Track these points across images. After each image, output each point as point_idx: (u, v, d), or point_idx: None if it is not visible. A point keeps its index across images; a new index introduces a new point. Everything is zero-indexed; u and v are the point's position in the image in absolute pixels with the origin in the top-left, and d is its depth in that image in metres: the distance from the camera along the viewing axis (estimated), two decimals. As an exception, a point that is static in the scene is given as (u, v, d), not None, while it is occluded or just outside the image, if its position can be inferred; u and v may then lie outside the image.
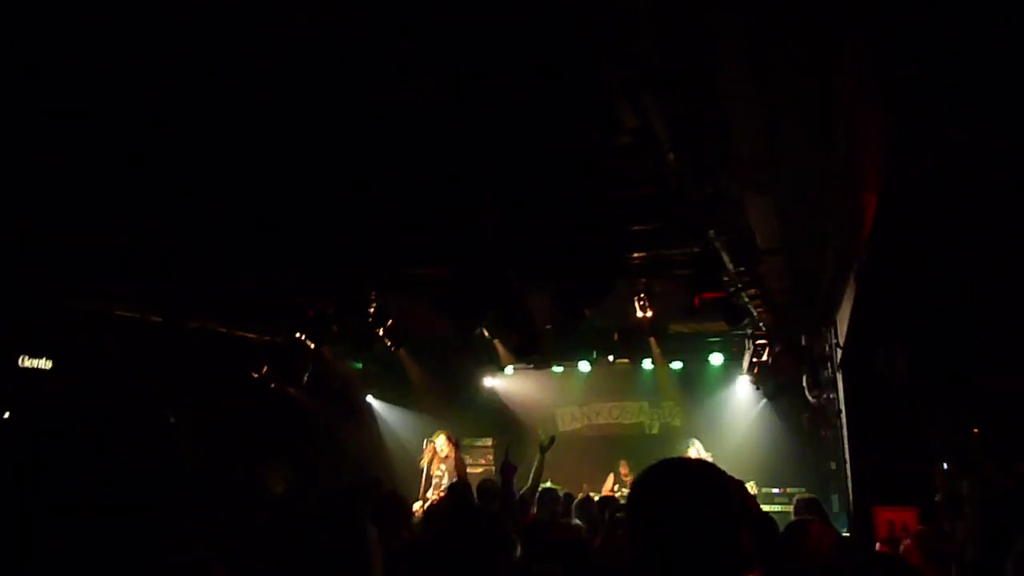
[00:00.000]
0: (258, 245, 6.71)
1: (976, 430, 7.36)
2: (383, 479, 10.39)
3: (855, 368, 7.64)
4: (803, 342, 9.72)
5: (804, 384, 9.71)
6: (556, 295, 6.90)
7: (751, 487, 9.46)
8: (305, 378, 9.48)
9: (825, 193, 5.34)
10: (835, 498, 9.43)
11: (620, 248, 6.67)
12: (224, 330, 9.55)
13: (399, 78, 3.77)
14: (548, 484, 10.80)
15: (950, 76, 3.35)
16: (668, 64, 3.27)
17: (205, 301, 8.72)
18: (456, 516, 2.97)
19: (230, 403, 10.00)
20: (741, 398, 12.28)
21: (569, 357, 12.22)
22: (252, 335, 9.96)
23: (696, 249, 6.20)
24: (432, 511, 7.44)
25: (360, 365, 12.50)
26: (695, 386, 12.51)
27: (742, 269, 6.64)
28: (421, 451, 10.84)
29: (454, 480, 8.57)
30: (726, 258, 6.30)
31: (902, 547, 4.77)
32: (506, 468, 5.30)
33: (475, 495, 7.03)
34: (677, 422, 12.93)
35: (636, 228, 6.24)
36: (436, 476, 9.06)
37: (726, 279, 6.81)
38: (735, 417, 12.27)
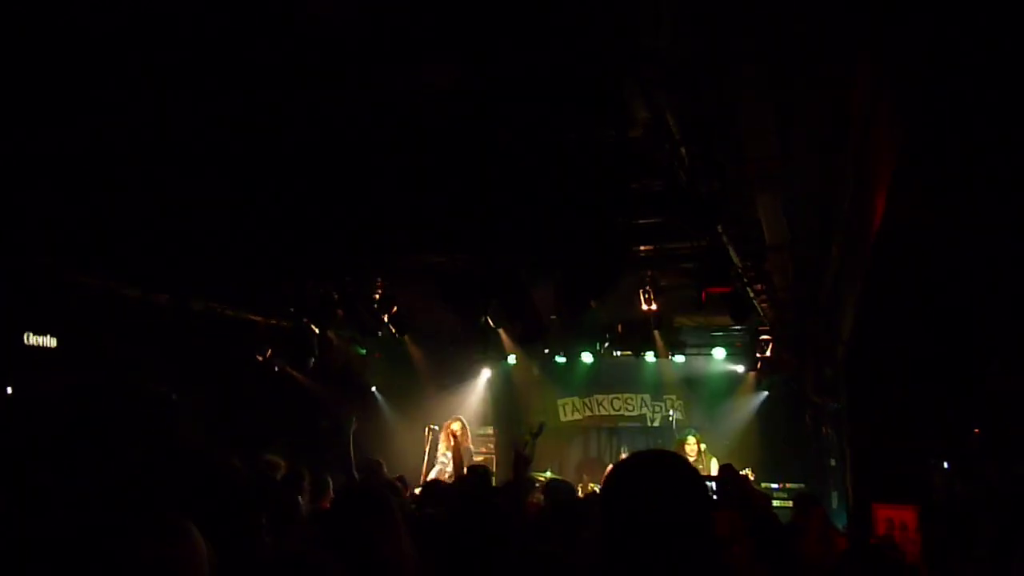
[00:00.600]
0: (266, 229, 6.74)
1: (977, 430, 7.38)
2: (384, 463, 10.47)
3: (858, 366, 7.66)
4: (806, 339, 9.73)
5: (806, 381, 9.74)
6: (562, 286, 6.92)
7: (747, 473, 9.50)
8: (311, 362, 9.52)
9: (833, 192, 5.36)
10: (835, 495, 9.47)
11: (627, 241, 6.68)
12: (230, 312, 9.58)
13: (413, 69, 3.78)
14: (548, 474, 10.89)
15: (960, 77, 3.35)
16: (684, 62, 3.28)
17: (211, 282, 8.76)
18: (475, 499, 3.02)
19: (234, 385, 10.06)
20: (744, 393, 12.30)
21: (572, 348, 12.24)
22: (258, 318, 9.99)
23: (703, 243, 6.21)
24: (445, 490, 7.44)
25: (364, 351, 12.54)
26: (697, 380, 12.53)
27: (748, 264, 6.66)
28: (423, 436, 10.90)
29: (459, 467, 8.62)
30: (733, 253, 6.31)
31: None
32: (521, 460, 5.31)
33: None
34: (679, 415, 12.96)
35: (644, 221, 6.25)
36: (442, 463, 9.10)
37: (732, 274, 6.82)
38: (737, 412, 12.29)
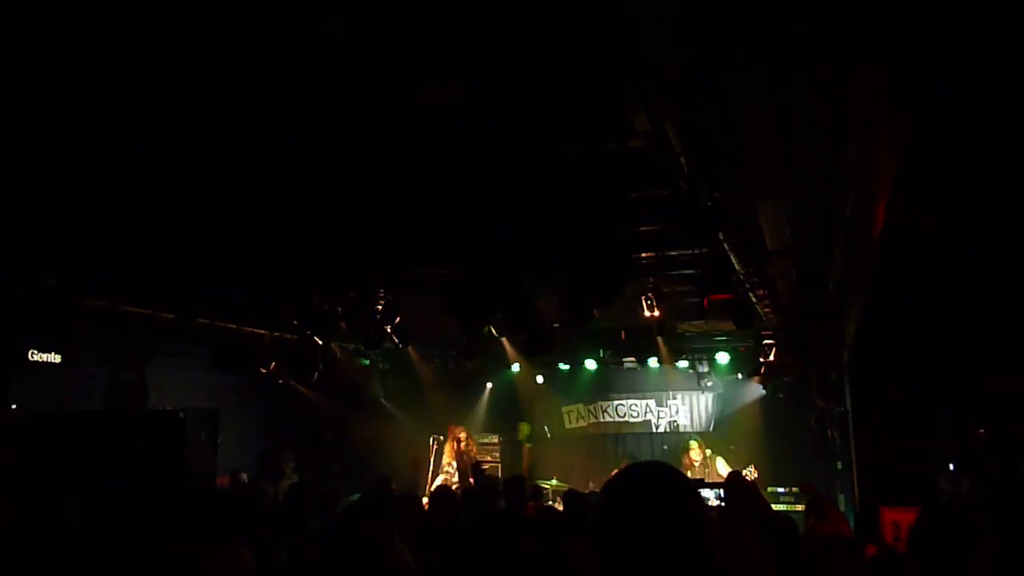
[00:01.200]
0: (268, 243, 6.76)
1: (982, 431, 7.39)
2: (390, 475, 10.48)
3: (862, 369, 7.67)
4: (810, 343, 9.74)
5: (811, 385, 9.74)
6: (565, 295, 6.93)
7: (750, 471, 9.50)
8: (315, 376, 9.54)
9: (835, 196, 5.37)
10: (841, 498, 9.47)
11: (630, 248, 6.69)
12: (233, 326, 9.60)
13: (414, 80, 3.80)
14: (554, 482, 10.90)
15: (960, 81, 3.37)
16: (683, 73, 3.30)
17: (215, 298, 8.78)
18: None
19: (239, 399, 10.08)
20: (748, 398, 12.30)
21: (576, 355, 12.27)
22: (262, 331, 10.02)
23: (705, 250, 6.22)
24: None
25: (368, 362, 12.57)
26: (701, 385, 12.54)
27: (751, 270, 6.67)
28: (428, 447, 10.91)
29: (466, 476, 8.64)
30: (735, 260, 6.33)
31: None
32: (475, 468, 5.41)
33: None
34: (683, 421, 12.97)
35: (646, 229, 6.27)
36: (447, 472, 9.11)
37: (735, 280, 6.83)
38: (741, 416, 12.30)
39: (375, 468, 11.19)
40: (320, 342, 9.22)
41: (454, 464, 9.08)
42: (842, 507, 9.13)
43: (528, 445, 12.01)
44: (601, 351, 11.92)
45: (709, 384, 12.46)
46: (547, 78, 3.80)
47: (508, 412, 13.31)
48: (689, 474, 9.68)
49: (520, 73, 3.76)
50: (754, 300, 7.71)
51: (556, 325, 8.89)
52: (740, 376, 12.13)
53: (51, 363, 9.12)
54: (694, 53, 3.32)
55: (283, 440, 10.74)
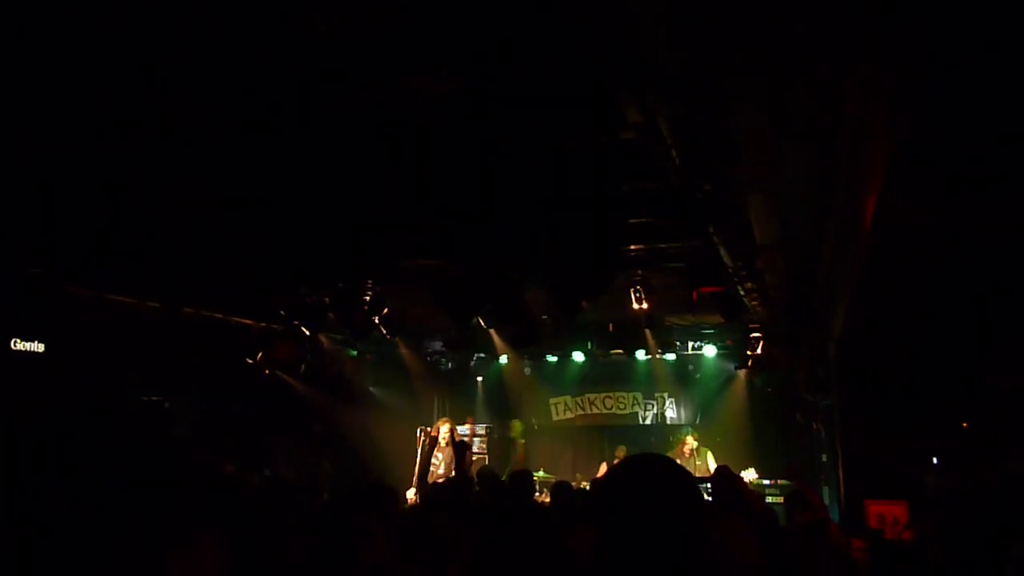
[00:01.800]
0: (257, 234, 6.71)
1: (965, 425, 7.44)
2: (377, 466, 10.47)
3: (849, 363, 7.71)
4: (798, 337, 9.79)
5: (798, 378, 9.79)
6: (554, 288, 6.93)
7: (750, 473, 9.54)
8: (303, 366, 9.50)
9: (825, 192, 5.38)
10: (826, 490, 9.53)
11: (619, 241, 6.69)
12: (220, 316, 9.54)
13: (409, 74, 3.78)
14: (541, 473, 10.91)
15: (951, 79, 3.37)
16: (676, 67, 3.28)
17: (201, 288, 8.72)
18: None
19: (226, 390, 10.02)
20: (735, 390, 12.35)
21: (564, 347, 12.28)
22: (249, 322, 9.96)
23: (695, 243, 6.22)
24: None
25: (355, 353, 12.53)
26: (689, 378, 12.58)
27: (740, 264, 6.68)
28: (415, 438, 10.90)
29: (451, 468, 8.63)
30: (724, 253, 6.33)
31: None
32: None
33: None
34: (670, 413, 13.01)
35: (635, 221, 6.26)
36: (433, 464, 9.10)
37: (724, 273, 6.84)
38: (728, 409, 12.35)
39: (362, 459, 11.18)
40: (308, 333, 9.18)
41: (439, 456, 9.07)
42: (827, 500, 9.20)
43: (521, 441, 12.04)
44: (589, 343, 11.93)
45: (696, 377, 12.50)
46: (540, 73, 3.78)
47: (496, 404, 13.31)
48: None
49: (513, 67, 3.74)
50: (743, 293, 7.73)
51: (544, 317, 8.89)
52: (727, 369, 12.17)
53: (34, 352, 9.04)
54: (688, 48, 3.31)
55: (270, 430, 10.69)
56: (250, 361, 9.78)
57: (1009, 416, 6.67)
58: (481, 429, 12.95)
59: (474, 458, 10.47)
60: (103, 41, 3.56)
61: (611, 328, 11.21)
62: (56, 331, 8.72)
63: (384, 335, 9.23)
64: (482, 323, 9.09)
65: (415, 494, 8.65)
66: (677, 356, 12.12)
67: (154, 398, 9.17)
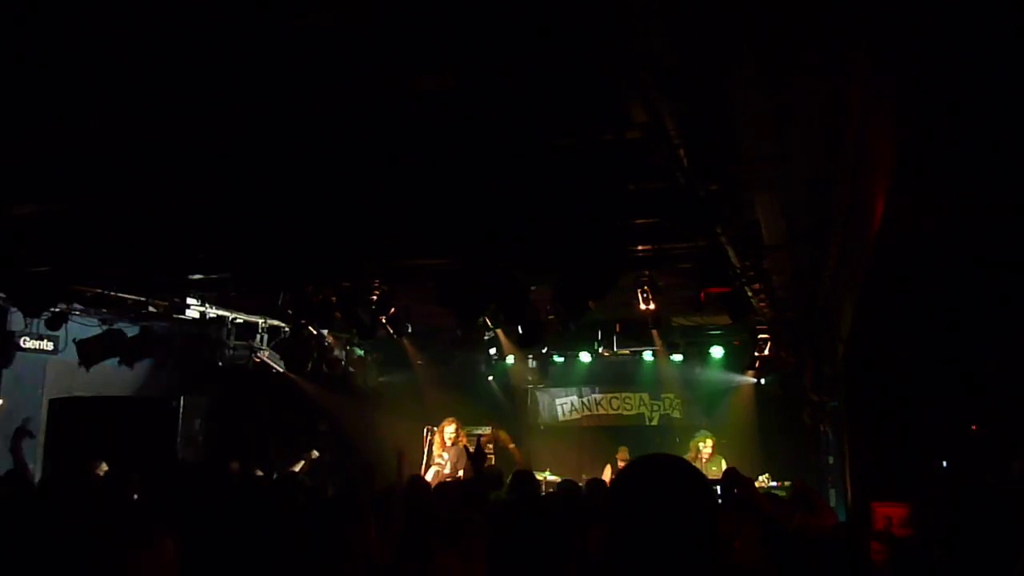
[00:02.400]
0: (264, 232, 6.73)
1: (974, 427, 7.39)
2: (383, 464, 10.47)
3: (856, 365, 7.67)
4: (805, 337, 9.74)
5: (805, 379, 9.75)
6: (560, 287, 6.92)
7: (764, 479, 9.51)
8: (309, 365, 9.52)
9: (832, 192, 5.36)
10: (833, 492, 9.49)
11: (626, 241, 6.68)
12: (227, 314, 9.58)
13: (409, 73, 3.77)
14: (547, 473, 10.90)
15: (958, 77, 3.35)
16: (680, 65, 3.27)
17: (208, 286, 8.75)
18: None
19: (232, 388, 10.06)
20: (742, 391, 12.31)
21: (570, 347, 12.25)
22: (256, 320, 10.00)
23: (702, 244, 6.21)
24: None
25: (362, 352, 12.55)
26: (696, 378, 12.54)
27: (747, 264, 6.65)
28: (421, 437, 10.91)
29: (457, 468, 8.64)
30: (731, 253, 6.31)
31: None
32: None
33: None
34: (677, 414, 12.98)
35: (642, 221, 6.25)
36: (438, 464, 9.11)
37: (731, 274, 6.82)
38: (735, 410, 12.31)
39: (368, 458, 11.19)
40: (314, 331, 9.20)
41: (445, 455, 9.07)
42: (833, 502, 9.16)
43: (511, 446, 12.00)
44: (596, 343, 11.91)
45: (703, 378, 12.47)
46: (544, 69, 3.77)
47: (502, 404, 13.31)
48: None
49: (515, 64, 3.73)
50: (750, 294, 7.70)
51: (551, 317, 8.88)
52: (734, 370, 12.13)
53: (44, 350, 9.10)
54: (692, 45, 3.30)
55: (275, 429, 10.72)
56: (257, 360, 9.81)
57: (1019, 418, 6.62)
58: (486, 430, 12.95)
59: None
60: (103, 40, 3.57)
61: (618, 328, 11.20)
62: (65, 329, 8.78)
63: (390, 334, 9.24)
64: (488, 323, 9.10)
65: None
66: (684, 357, 12.09)
67: (160, 396, 9.22)
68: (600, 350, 12.06)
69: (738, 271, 6.81)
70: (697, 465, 10.03)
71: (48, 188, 5.57)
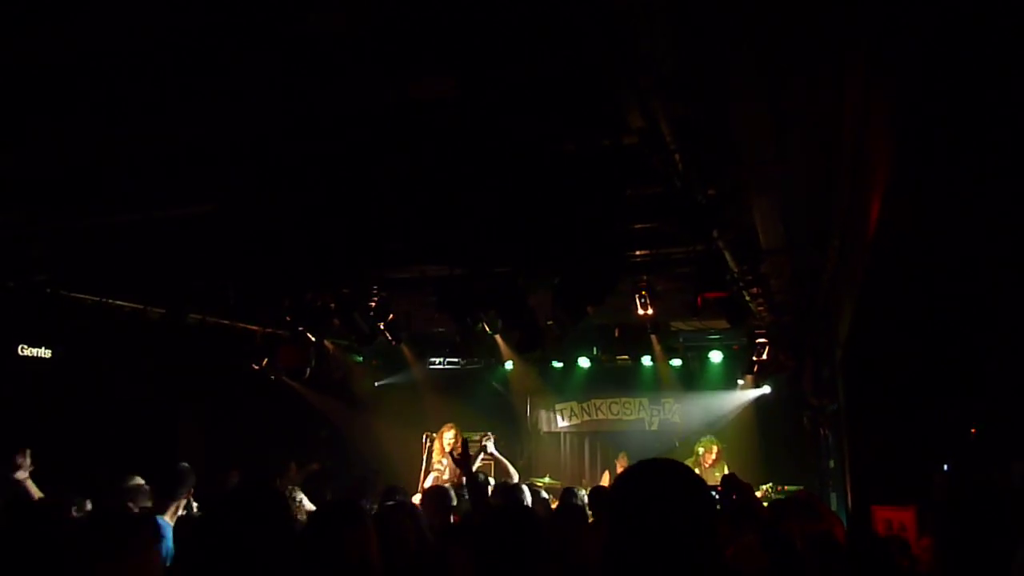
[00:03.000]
0: (262, 238, 6.72)
1: (974, 430, 7.38)
2: (383, 470, 10.44)
3: (855, 368, 7.67)
4: (804, 341, 9.74)
5: (804, 383, 9.74)
6: (559, 292, 6.91)
7: (767, 488, 9.50)
8: (308, 372, 9.50)
9: (830, 195, 5.36)
10: (833, 496, 9.47)
11: (623, 246, 6.68)
12: (226, 322, 9.56)
13: (408, 78, 3.78)
14: (547, 479, 10.89)
15: (954, 80, 3.36)
16: (678, 69, 3.28)
17: (207, 293, 8.73)
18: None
19: (232, 395, 10.04)
20: (741, 396, 12.31)
21: (569, 353, 12.25)
22: (254, 327, 9.98)
23: (699, 248, 6.21)
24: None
25: (361, 358, 12.54)
26: (695, 383, 12.54)
27: (745, 268, 6.66)
28: (420, 443, 10.88)
29: (456, 474, 8.61)
30: (729, 257, 6.32)
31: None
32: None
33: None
34: (676, 419, 12.97)
35: (640, 226, 6.25)
36: (437, 470, 9.09)
37: (729, 278, 6.82)
38: (734, 414, 12.30)
39: (368, 465, 11.17)
40: (313, 339, 9.19)
41: (444, 461, 9.04)
42: (834, 506, 9.14)
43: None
44: (594, 349, 11.90)
45: (702, 382, 12.46)
46: (542, 75, 3.78)
47: (501, 410, 13.29)
48: (697, 471, 9.67)
49: (514, 69, 3.74)
50: (748, 298, 7.70)
51: (549, 322, 8.88)
52: (733, 374, 12.13)
53: (41, 358, 9.07)
54: (689, 50, 3.31)
55: (275, 437, 10.70)
56: (255, 367, 9.79)
57: (1018, 421, 6.61)
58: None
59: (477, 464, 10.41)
60: (102, 45, 3.58)
61: (617, 333, 11.19)
62: (62, 337, 8.75)
63: (389, 341, 9.22)
64: (487, 328, 9.08)
65: (421, 498, 8.62)
66: (683, 362, 12.09)
67: (159, 404, 9.20)
68: (599, 356, 12.06)
69: (736, 275, 6.82)
70: (699, 470, 10.08)
71: (46, 194, 5.57)
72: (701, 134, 4.12)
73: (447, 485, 8.58)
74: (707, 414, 12.44)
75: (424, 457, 9.61)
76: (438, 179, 5.33)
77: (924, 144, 3.79)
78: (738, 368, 11.73)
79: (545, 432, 13.46)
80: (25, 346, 8.81)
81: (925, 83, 3.38)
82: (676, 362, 12.04)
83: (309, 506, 6.25)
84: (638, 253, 6.95)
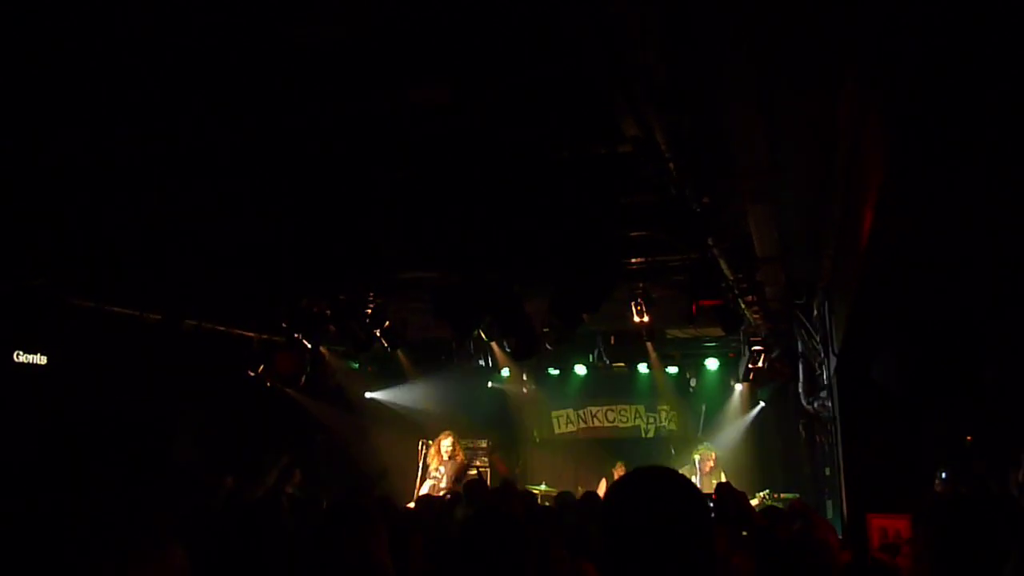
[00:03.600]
0: (258, 245, 6.73)
1: (969, 438, 7.39)
2: (378, 478, 10.43)
3: (850, 375, 7.68)
4: (799, 349, 9.76)
5: (799, 390, 9.76)
6: (555, 299, 6.92)
7: (763, 496, 9.49)
8: (303, 378, 9.50)
9: (823, 204, 5.39)
10: (829, 504, 9.47)
11: (619, 254, 6.70)
12: (222, 328, 9.55)
13: (404, 87, 3.80)
14: (543, 486, 10.88)
15: (945, 91, 3.38)
16: (672, 79, 3.30)
17: (203, 299, 8.73)
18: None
19: (227, 402, 10.02)
20: (737, 403, 12.31)
21: (565, 360, 12.25)
22: (250, 334, 9.97)
23: (694, 256, 6.23)
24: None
25: (356, 365, 12.52)
26: (691, 390, 12.55)
27: (740, 276, 6.68)
28: (417, 451, 10.87)
29: (454, 481, 8.62)
30: (724, 265, 6.34)
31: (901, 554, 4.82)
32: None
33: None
34: (672, 426, 12.97)
35: (635, 234, 6.27)
36: (435, 477, 9.09)
37: (724, 286, 6.84)
38: (730, 422, 12.31)
39: (363, 472, 11.15)
40: (309, 345, 9.19)
41: (442, 469, 9.05)
42: (829, 513, 9.14)
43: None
44: (591, 356, 11.91)
45: (698, 390, 12.47)
46: (538, 83, 3.80)
47: (497, 416, 13.29)
48: (695, 479, 9.70)
49: (510, 78, 3.76)
50: (743, 306, 7.72)
51: (545, 329, 8.89)
52: (729, 382, 12.14)
53: (37, 364, 9.05)
54: (684, 59, 3.33)
55: (270, 443, 10.68)
56: (251, 373, 9.78)
57: (1012, 429, 6.62)
58: (483, 443, 12.93)
59: (470, 472, 10.41)
60: (101, 52, 3.59)
61: (612, 341, 11.20)
62: (58, 343, 8.74)
63: (385, 347, 9.23)
64: (483, 335, 9.09)
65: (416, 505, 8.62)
66: (679, 369, 12.10)
67: (154, 409, 9.18)
68: (595, 363, 12.06)
69: (731, 283, 6.84)
70: (696, 478, 10.09)
71: (43, 199, 5.58)
72: (696, 143, 4.14)
73: (443, 493, 8.60)
74: (703, 421, 12.44)
75: (420, 464, 9.61)
76: (435, 186, 5.35)
77: (917, 153, 3.81)
78: (734, 375, 11.75)
79: (541, 439, 13.45)
80: (20, 352, 8.80)
81: (918, 93, 3.41)
82: (672, 369, 12.05)
83: None
84: (634, 261, 6.97)
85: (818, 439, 10.12)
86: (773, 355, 9.97)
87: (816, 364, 9.15)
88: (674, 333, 11.11)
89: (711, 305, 6.81)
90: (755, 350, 9.91)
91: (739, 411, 12.29)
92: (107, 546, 1.95)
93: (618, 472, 11.24)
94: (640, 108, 3.55)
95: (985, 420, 6.97)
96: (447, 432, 9.54)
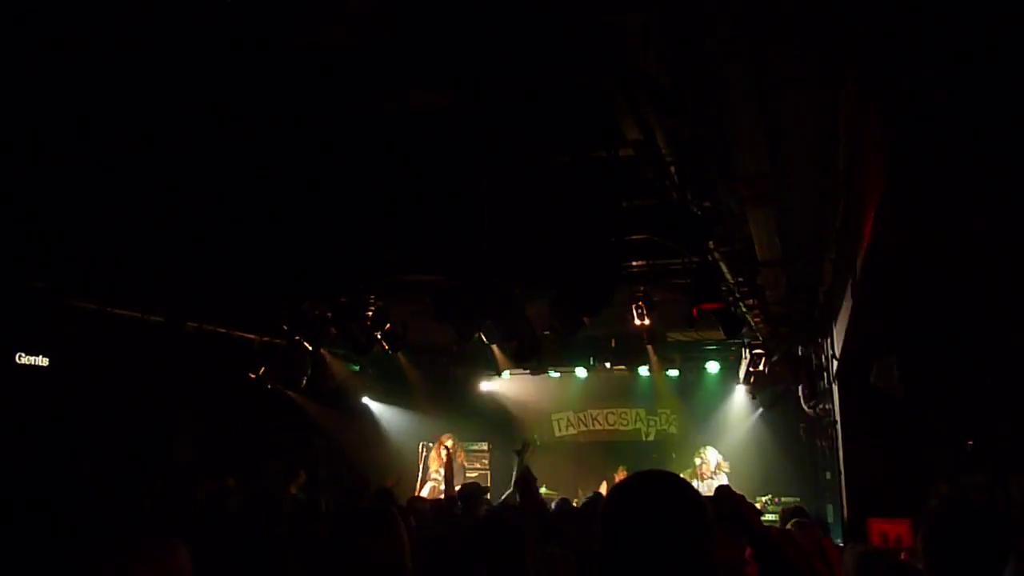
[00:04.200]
0: (260, 247, 6.74)
1: (970, 442, 7.39)
2: (378, 480, 10.43)
3: (851, 379, 7.68)
4: (800, 353, 9.76)
5: (800, 394, 9.76)
6: (555, 302, 6.92)
7: (765, 500, 9.48)
8: (303, 380, 9.50)
9: (824, 208, 5.39)
10: (830, 508, 9.46)
11: (620, 257, 6.70)
12: (223, 330, 9.56)
13: (405, 91, 3.81)
14: (543, 490, 10.86)
15: (945, 95, 3.39)
16: (673, 83, 3.31)
17: (204, 301, 8.74)
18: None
19: (228, 404, 10.03)
20: (737, 407, 12.31)
21: (566, 363, 12.26)
22: (251, 336, 9.98)
23: (695, 260, 6.23)
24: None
25: (357, 368, 12.53)
26: (692, 394, 12.54)
27: (741, 280, 6.68)
28: (417, 453, 10.89)
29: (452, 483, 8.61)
30: (725, 269, 6.34)
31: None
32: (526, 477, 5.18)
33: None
34: (673, 430, 12.97)
35: (637, 237, 6.27)
36: (435, 480, 9.09)
37: (724, 289, 6.84)
38: (731, 426, 12.31)
39: (363, 474, 11.14)
40: (310, 347, 9.19)
41: (442, 472, 9.05)
42: (831, 518, 9.13)
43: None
44: (591, 359, 11.91)
45: (699, 393, 12.47)
46: (539, 87, 3.81)
47: (498, 419, 13.29)
48: (695, 483, 9.69)
49: (511, 82, 3.77)
50: (744, 310, 7.72)
51: (546, 332, 8.89)
52: (730, 385, 12.14)
53: (39, 366, 9.06)
54: (684, 64, 3.33)
55: (271, 445, 10.69)
56: (252, 376, 9.78)
57: (1013, 433, 6.62)
58: (483, 446, 12.93)
59: (470, 475, 10.43)
60: (102, 56, 3.60)
61: (613, 344, 11.20)
62: (60, 345, 8.75)
63: (386, 350, 9.23)
64: (484, 338, 9.08)
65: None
66: (680, 372, 12.09)
67: (155, 411, 9.19)
68: (596, 366, 12.07)
69: (732, 287, 6.84)
70: (698, 482, 10.07)
71: (45, 201, 5.59)
72: (697, 146, 4.15)
73: (442, 495, 8.60)
74: (704, 425, 12.44)
75: (420, 466, 9.62)
76: (436, 189, 5.36)
77: (918, 156, 3.81)
78: (735, 379, 11.75)
79: (541, 442, 13.44)
80: (23, 354, 8.81)
81: (918, 98, 3.41)
82: (673, 372, 12.05)
83: None
84: (635, 264, 6.98)
85: (819, 443, 10.12)
86: (774, 359, 9.97)
87: (817, 368, 9.15)
88: (675, 336, 11.10)
89: (712, 308, 6.81)
90: (756, 354, 9.91)
91: (740, 415, 12.29)
92: (107, 546, 1.96)
93: (619, 476, 11.24)
94: (641, 112, 3.56)
95: (987, 424, 6.96)
96: (448, 435, 9.55)
